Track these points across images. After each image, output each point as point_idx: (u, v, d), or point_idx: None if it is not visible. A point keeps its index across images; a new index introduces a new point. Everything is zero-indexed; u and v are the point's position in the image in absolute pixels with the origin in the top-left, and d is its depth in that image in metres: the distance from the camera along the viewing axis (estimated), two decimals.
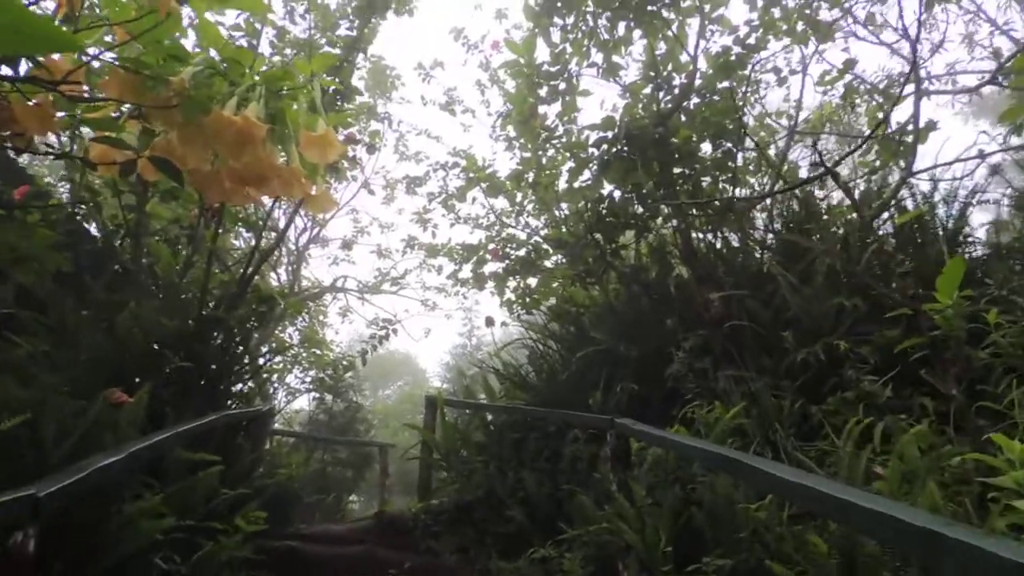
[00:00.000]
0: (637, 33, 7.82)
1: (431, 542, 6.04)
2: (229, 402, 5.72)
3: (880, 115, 6.51)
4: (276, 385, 13.64)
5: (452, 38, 9.68)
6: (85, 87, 2.03)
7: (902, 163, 6.29)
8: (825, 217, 6.51)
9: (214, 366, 5.28)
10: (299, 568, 5.34)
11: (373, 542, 5.94)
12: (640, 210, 7.13)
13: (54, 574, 2.51)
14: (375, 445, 11.40)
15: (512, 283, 9.61)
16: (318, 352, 12.37)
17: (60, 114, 2.06)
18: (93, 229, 5.93)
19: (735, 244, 6.72)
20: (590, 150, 7.01)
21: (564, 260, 8.40)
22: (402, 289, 13.38)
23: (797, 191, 6.83)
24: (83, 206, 5.72)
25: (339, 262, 13.60)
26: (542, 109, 8.26)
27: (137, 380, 4.72)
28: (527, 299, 9.08)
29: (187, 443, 3.80)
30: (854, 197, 5.65)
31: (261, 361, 9.02)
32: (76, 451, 2.71)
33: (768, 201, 7.04)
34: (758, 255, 6.65)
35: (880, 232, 5.98)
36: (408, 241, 10.57)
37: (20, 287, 5.29)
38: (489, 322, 8.85)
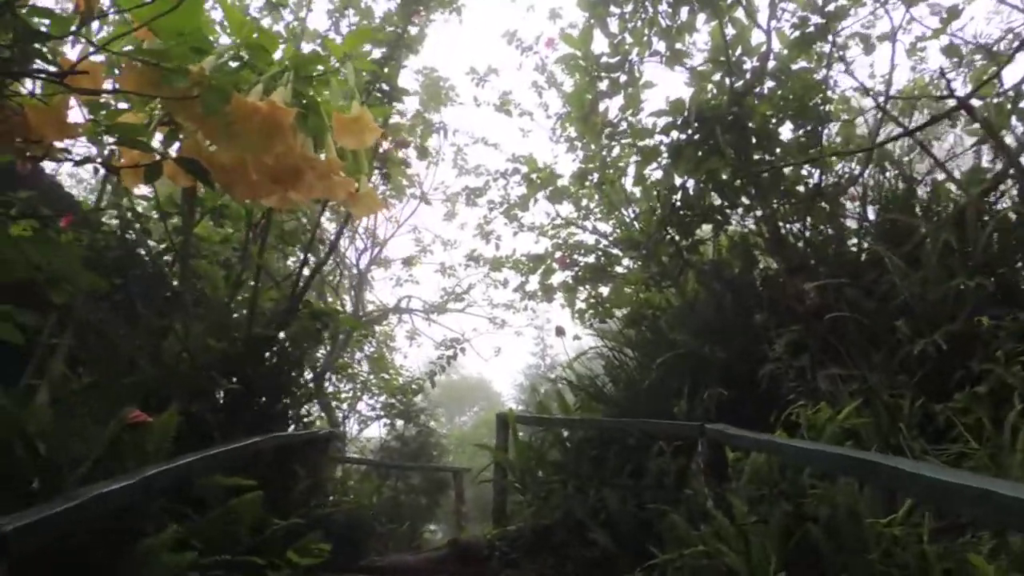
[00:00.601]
0: (701, 18, 7.28)
1: (509, 571, 5.57)
2: (289, 426, 5.42)
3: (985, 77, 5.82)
4: (346, 412, 13.47)
5: (505, 41, 9.35)
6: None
7: (1018, 129, 5.58)
8: (928, 194, 5.85)
9: (265, 388, 4.97)
10: None
11: (449, 573, 5.51)
12: (717, 201, 6.58)
13: None
14: (449, 470, 11.00)
15: (582, 293, 9.14)
16: (387, 377, 12.11)
17: (81, 120, 1.84)
18: (142, 253, 5.75)
19: (827, 231, 6.11)
20: (657, 138, 6.51)
21: (636, 264, 7.90)
22: (469, 307, 13.04)
23: (890, 166, 6.19)
24: (131, 231, 5.54)
25: (402, 283, 13.36)
26: (603, 105, 7.80)
27: (186, 406, 4.46)
28: (599, 308, 8.59)
29: (227, 469, 3.45)
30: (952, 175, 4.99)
31: (325, 385, 8.79)
32: (91, 478, 2.38)
33: (861, 184, 6.41)
34: (854, 241, 6.02)
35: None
36: (471, 255, 10.20)
37: (76, 318, 5.14)
38: (559, 332, 8.38)
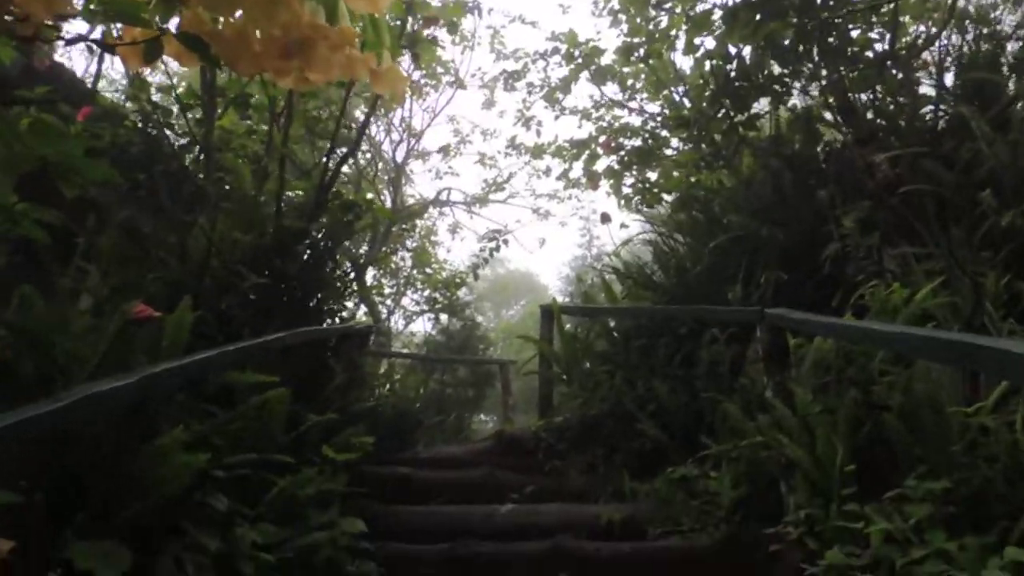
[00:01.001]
0: None
1: (556, 462, 5.46)
2: (325, 322, 5.27)
3: None
4: (391, 308, 13.47)
5: None
6: None
7: None
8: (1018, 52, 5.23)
9: (299, 282, 4.79)
10: (411, 496, 4.89)
11: (493, 464, 5.43)
12: (777, 70, 6.04)
13: (76, 526, 2.05)
14: (495, 362, 10.97)
15: (628, 178, 8.71)
16: (430, 271, 12.00)
17: None
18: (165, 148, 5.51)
19: (900, 100, 5.56)
20: (711, 1, 5.92)
21: (686, 145, 7.42)
22: (511, 198, 12.68)
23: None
24: (152, 125, 5.27)
25: (442, 175, 13.00)
26: None
27: (215, 302, 4.31)
28: (647, 194, 8.18)
29: (255, 366, 3.29)
30: None
31: (367, 280, 8.66)
32: (97, 375, 2.21)
33: (938, 48, 5.79)
34: (930, 108, 5.47)
35: None
36: (511, 143, 9.76)
37: (98, 215, 4.98)
38: (605, 218, 8.03)
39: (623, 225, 9.26)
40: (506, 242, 10.11)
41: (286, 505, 3.16)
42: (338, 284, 5.23)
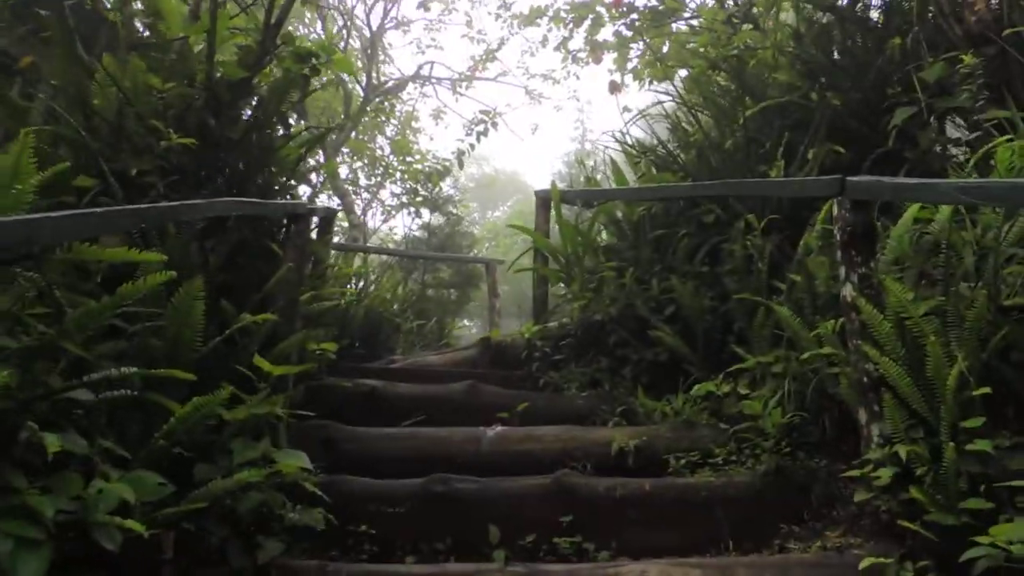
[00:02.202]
0: None
1: (552, 375, 4.70)
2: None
3: None
4: (368, 201, 12.50)
5: None
6: None
7: None
8: None
9: (239, 149, 3.86)
10: (378, 415, 4.12)
11: (478, 377, 4.65)
12: None
13: None
14: (480, 261, 10.11)
15: (637, 50, 7.66)
16: (411, 160, 10.98)
17: None
18: None
19: None
20: None
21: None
22: (501, 76, 11.51)
23: None
24: None
25: (424, 49, 11.72)
26: None
27: (125, 166, 3.39)
28: (659, 65, 7.15)
29: (144, 244, 2.41)
30: None
31: (338, 165, 7.66)
32: None
33: None
34: None
35: None
36: (503, 2, 8.58)
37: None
38: (613, 88, 7.01)
39: (625, 108, 8.27)
40: (495, 125, 9.10)
41: (192, 439, 2.35)
42: (291, 156, 4.27)
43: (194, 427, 2.29)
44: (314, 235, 4.67)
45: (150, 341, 2.47)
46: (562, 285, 5.46)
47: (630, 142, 5.64)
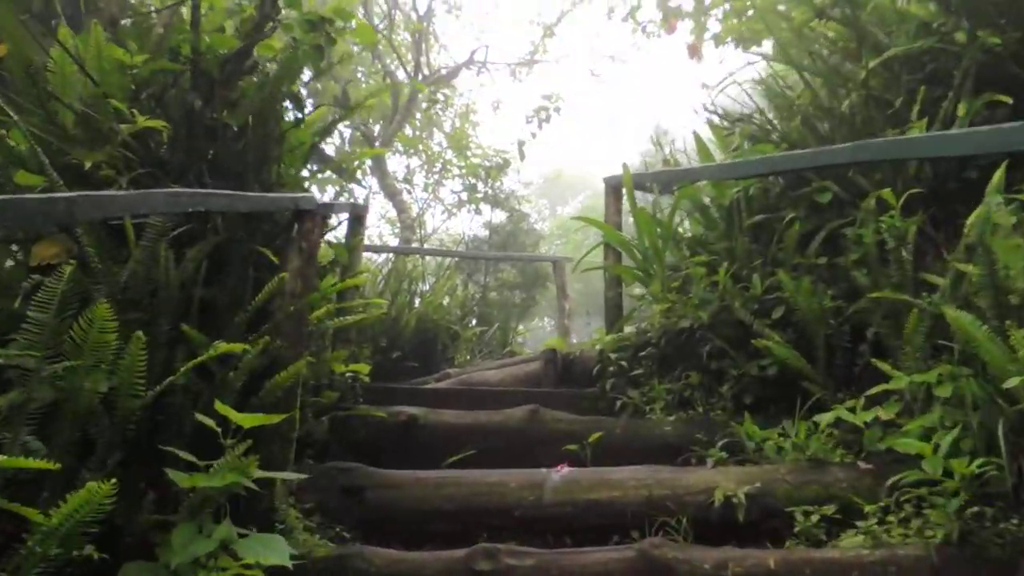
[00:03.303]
0: None
1: (630, 393, 3.89)
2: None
3: None
4: (427, 200, 11.87)
5: None
6: None
7: None
8: None
9: (236, 138, 3.18)
10: (415, 451, 3.40)
11: (541, 399, 3.87)
12: None
13: None
14: (547, 259, 9.29)
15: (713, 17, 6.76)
16: (469, 154, 10.27)
17: None
18: None
19: None
20: None
21: None
22: (564, 58, 10.66)
23: None
24: None
25: (479, 35, 10.96)
26: None
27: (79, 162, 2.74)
28: (743, 31, 6.24)
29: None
30: None
31: (387, 163, 7.03)
32: None
33: None
34: None
35: None
36: None
37: None
38: (692, 52, 6.11)
39: (704, 85, 7.35)
40: (558, 110, 8.29)
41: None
42: (303, 145, 3.56)
43: (69, 537, 1.55)
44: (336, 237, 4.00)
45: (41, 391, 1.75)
46: (639, 286, 4.63)
47: (716, 114, 4.75)
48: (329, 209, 3.39)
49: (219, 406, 2.07)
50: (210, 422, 2.07)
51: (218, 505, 1.96)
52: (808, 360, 3.32)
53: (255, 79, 3.48)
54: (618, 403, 3.84)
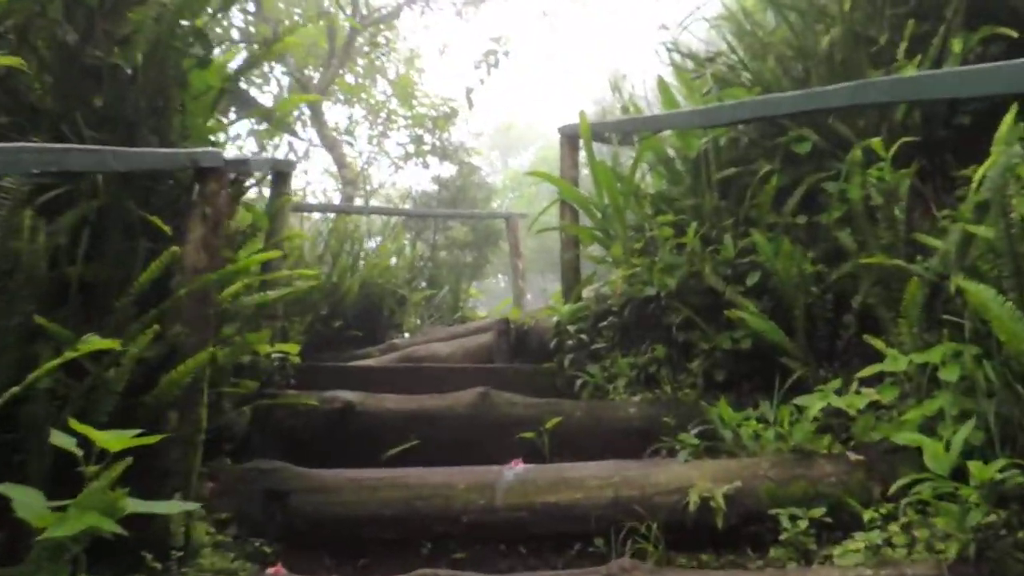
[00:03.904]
0: None
1: (591, 369, 3.56)
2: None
3: None
4: (372, 154, 11.31)
5: None
6: None
7: None
8: None
9: (124, 79, 2.70)
10: (358, 443, 3.04)
11: (492, 377, 3.52)
12: None
13: None
14: (499, 216, 8.86)
15: None
16: (414, 103, 9.72)
17: None
18: None
19: None
20: None
21: None
22: None
23: None
24: None
25: None
26: None
27: None
28: None
29: None
30: None
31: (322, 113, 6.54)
32: None
33: None
34: None
35: None
36: None
37: None
38: None
39: (663, 26, 6.91)
40: (507, 53, 7.81)
41: None
42: (210, 92, 3.06)
43: None
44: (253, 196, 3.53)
45: None
46: (599, 247, 4.26)
47: (680, 54, 4.35)
48: (242, 167, 2.93)
49: (73, 423, 1.65)
50: (68, 442, 1.65)
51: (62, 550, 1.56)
52: (786, 332, 3.00)
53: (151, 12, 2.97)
54: (578, 382, 3.50)
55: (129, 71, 2.79)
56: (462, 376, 3.66)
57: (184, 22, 3.01)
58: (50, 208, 2.30)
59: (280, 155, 9.40)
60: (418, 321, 7.25)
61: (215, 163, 2.52)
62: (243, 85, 11.16)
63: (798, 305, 3.01)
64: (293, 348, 3.41)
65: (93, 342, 1.85)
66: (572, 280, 4.25)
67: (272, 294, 3.03)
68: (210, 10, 3.16)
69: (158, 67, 2.84)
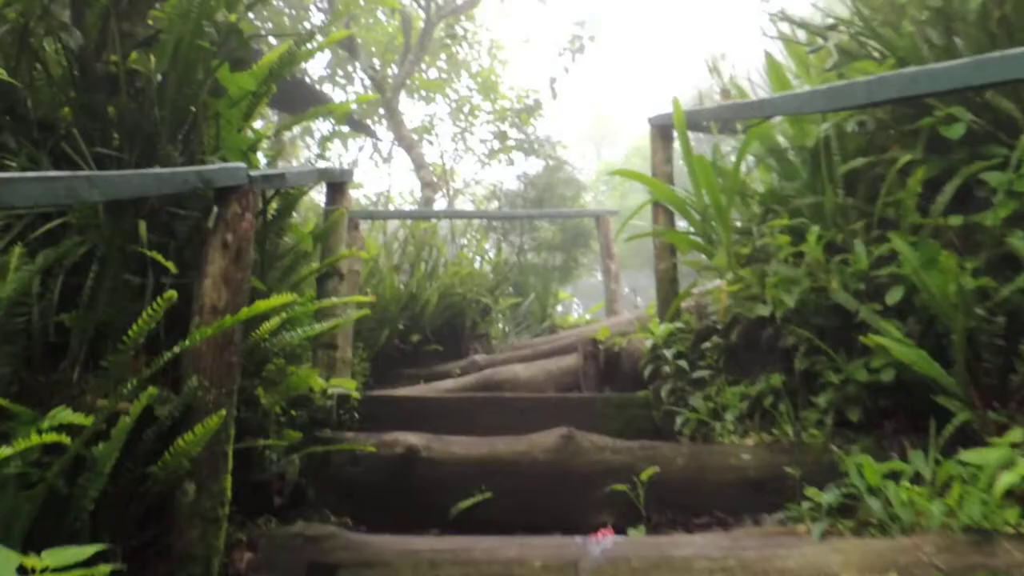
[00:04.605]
0: None
1: (693, 401, 3.04)
2: None
3: None
4: (457, 152, 10.95)
5: None
6: None
7: None
8: None
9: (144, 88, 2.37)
10: (421, 497, 2.63)
11: (578, 410, 3.06)
12: None
13: None
14: (589, 215, 8.31)
15: None
16: (495, 96, 9.31)
17: None
18: None
19: None
20: None
21: None
22: None
23: None
24: None
25: None
26: None
27: None
28: None
29: None
30: None
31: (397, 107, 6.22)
32: None
33: None
34: None
35: None
36: None
37: None
38: None
39: None
40: (592, 38, 7.26)
41: None
42: (247, 94, 2.71)
43: None
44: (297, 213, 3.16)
45: None
46: (699, 252, 3.73)
47: (793, 23, 3.75)
48: (274, 183, 2.55)
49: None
50: (13, 559, 1.28)
51: None
52: (941, 363, 2.41)
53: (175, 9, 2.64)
54: (678, 419, 2.99)
55: (150, 77, 2.46)
56: (543, 409, 3.22)
57: (218, 17, 2.67)
58: (50, 244, 1.98)
59: (364, 157, 9.17)
60: (504, 328, 6.85)
61: (236, 181, 2.14)
62: (327, 86, 11.01)
63: (956, 329, 2.42)
64: (351, 384, 3.04)
65: (60, 415, 1.49)
66: (669, 294, 3.72)
67: (317, 327, 2.65)
68: (245, 1, 2.81)
69: (183, 71, 2.51)
